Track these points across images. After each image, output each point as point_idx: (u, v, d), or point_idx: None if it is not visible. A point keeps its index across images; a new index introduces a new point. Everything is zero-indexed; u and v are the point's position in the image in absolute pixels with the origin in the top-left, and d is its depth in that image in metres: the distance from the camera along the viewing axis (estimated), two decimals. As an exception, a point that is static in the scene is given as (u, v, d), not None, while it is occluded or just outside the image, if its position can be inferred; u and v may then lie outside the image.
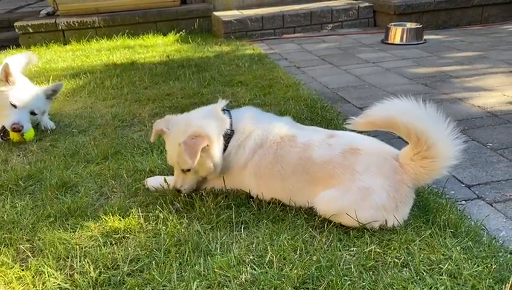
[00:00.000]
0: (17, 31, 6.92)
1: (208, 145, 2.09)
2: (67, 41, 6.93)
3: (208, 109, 2.30)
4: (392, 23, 6.01)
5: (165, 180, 2.36)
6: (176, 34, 7.01)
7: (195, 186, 2.26)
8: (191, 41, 6.49)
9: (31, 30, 6.90)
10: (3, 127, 3.12)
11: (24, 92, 3.21)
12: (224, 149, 2.17)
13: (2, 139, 3.15)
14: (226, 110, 2.26)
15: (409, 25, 5.92)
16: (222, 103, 2.27)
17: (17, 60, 3.78)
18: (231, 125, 2.20)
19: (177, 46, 6.30)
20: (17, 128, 3.07)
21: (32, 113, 3.20)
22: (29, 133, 3.16)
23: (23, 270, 1.81)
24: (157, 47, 6.28)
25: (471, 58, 4.83)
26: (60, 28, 6.95)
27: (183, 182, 2.22)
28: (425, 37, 5.85)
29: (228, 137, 2.18)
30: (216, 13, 7.08)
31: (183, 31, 7.10)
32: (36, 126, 3.31)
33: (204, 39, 6.62)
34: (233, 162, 2.20)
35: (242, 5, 7.38)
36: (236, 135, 2.19)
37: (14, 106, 3.11)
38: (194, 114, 2.28)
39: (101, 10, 7.26)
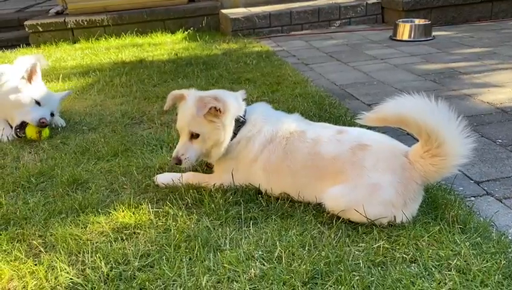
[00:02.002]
0: (27, 29, 6.99)
1: (220, 111, 2.14)
2: (77, 39, 6.99)
3: (232, 92, 2.37)
4: (401, 20, 5.98)
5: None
6: (183, 32, 7.03)
7: (195, 159, 2.23)
8: (198, 39, 6.51)
9: (40, 29, 6.97)
10: (22, 124, 3.15)
11: (46, 92, 3.30)
12: (234, 136, 2.21)
13: (17, 136, 3.19)
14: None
15: (417, 21, 5.89)
16: (242, 92, 2.34)
17: (27, 61, 3.82)
18: (245, 114, 2.25)
19: (185, 44, 6.32)
20: (45, 123, 3.13)
21: (52, 114, 3.26)
22: (46, 131, 3.20)
23: (36, 265, 1.84)
24: (165, 45, 6.31)
25: (480, 54, 4.79)
26: (69, 26, 7.01)
27: (186, 151, 2.18)
28: (434, 33, 5.81)
29: (239, 125, 2.22)
30: (224, 11, 7.09)
31: (191, 28, 7.13)
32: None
33: (212, 37, 6.64)
34: (242, 155, 2.23)
35: (249, 3, 7.38)
36: (247, 125, 2.23)
37: (38, 103, 3.17)
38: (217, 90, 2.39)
39: (109, 9, 7.31)
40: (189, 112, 2.17)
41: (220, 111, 2.15)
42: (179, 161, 2.19)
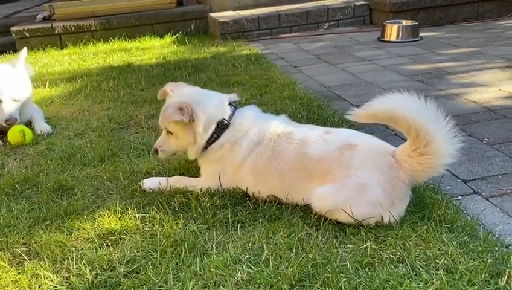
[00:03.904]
0: (13, 36, 6.92)
1: (190, 122, 2.17)
2: (64, 45, 6.93)
3: (218, 95, 2.36)
4: (388, 21, 6.01)
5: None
6: (172, 35, 7.01)
7: (170, 153, 2.33)
8: (187, 42, 6.49)
9: (27, 35, 6.91)
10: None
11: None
12: (217, 138, 2.21)
13: None
14: (234, 106, 2.30)
15: (404, 22, 5.92)
16: (231, 95, 2.34)
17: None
18: (230, 118, 2.23)
19: (173, 47, 6.30)
20: (12, 123, 3.11)
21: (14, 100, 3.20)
22: (29, 134, 3.16)
23: (19, 273, 1.81)
24: (153, 49, 6.28)
25: (467, 54, 4.83)
26: (57, 32, 6.96)
27: (163, 143, 2.30)
28: (421, 34, 5.84)
29: (222, 128, 2.21)
30: (212, 14, 7.08)
31: (180, 32, 7.10)
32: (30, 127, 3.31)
33: (201, 40, 6.62)
34: (228, 159, 2.21)
35: (238, 6, 7.38)
36: (230, 129, 2.22)
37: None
38: (203, 91, 2.41)
39: (97, 13, 7.26)
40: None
41: (190, 123, 2.17)
42: (156, 151, 2.33)
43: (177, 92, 2.30)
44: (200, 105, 2.20)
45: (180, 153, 2.37)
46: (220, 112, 2.23)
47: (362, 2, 6.91)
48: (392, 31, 5.80)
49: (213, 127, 2.21)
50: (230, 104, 2.29)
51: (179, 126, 2.21)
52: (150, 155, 2.79)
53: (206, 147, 2.24)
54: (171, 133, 2.27)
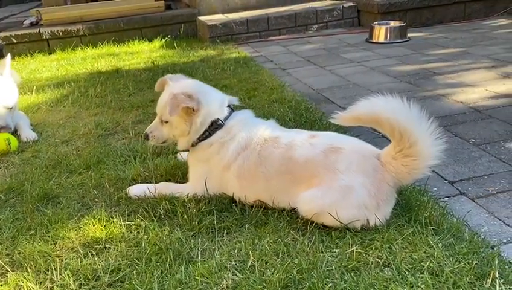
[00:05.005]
0: (0, 41, 6.85)
1: (193, 110, 2.17)
2: (52, 50, 6.87)
3: (220, 93, 2.37)
4: (376, 22, 6.03)
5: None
6: (161, 39, 6.98)
7: (161, 141, 2.33)
8: (176, 46, 6.47)
9: (14, 40, 6.84)
10: None
11: None
12: (208, 136, 2.21)
13: None
14: (232, 108, 2.31)
15: (392, 23, 5.95)
16: (232, 98, 2.35)
17: None
18: (225, 119, 2.24)
19: (162, 51, 6.27)
20: (8, 131, 3.11)
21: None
22: (15, 142, 3.13)
23: (1, 285, 1.78)
24: (142, 53, 6.25)
25: (454, 55, 4.85)
26: (44, 37, 6.90)
27: (155, 130, 2.31)
28: (409, 34, 5.87)
29: (216, 127, 2.21)
30: (201, 18, 7.07)
31: (169, 36, 7.08)
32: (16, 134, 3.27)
33: (190, 44, 6.60)
34: (214, 161, 2.21)
35: (227, 9, 7.37)
36: (222, 130, 2.22)
37: None
38: (207, 85, 2.41)
39: (85, 18, 7.22)
40: (164, 101, 2.23)
41: (194, 110, 2.17)
42: (146, 137, 2.34)
43: (177, 82, 2.30)
44: (204, 97, 2.22)
45: (170, 142, 2.38)
46: (218, 111, 2.24)
47: (350, 4, 6.94)
48: (380, 32, 5.82)
49: (208, 124, 2.21)
50: (228, 105, 2.30)
51: (178, 115, 2.18)
52: (136, 161, 2.77)
53: (196, 143, 2.25)
54: (166, 122, 2.26)
